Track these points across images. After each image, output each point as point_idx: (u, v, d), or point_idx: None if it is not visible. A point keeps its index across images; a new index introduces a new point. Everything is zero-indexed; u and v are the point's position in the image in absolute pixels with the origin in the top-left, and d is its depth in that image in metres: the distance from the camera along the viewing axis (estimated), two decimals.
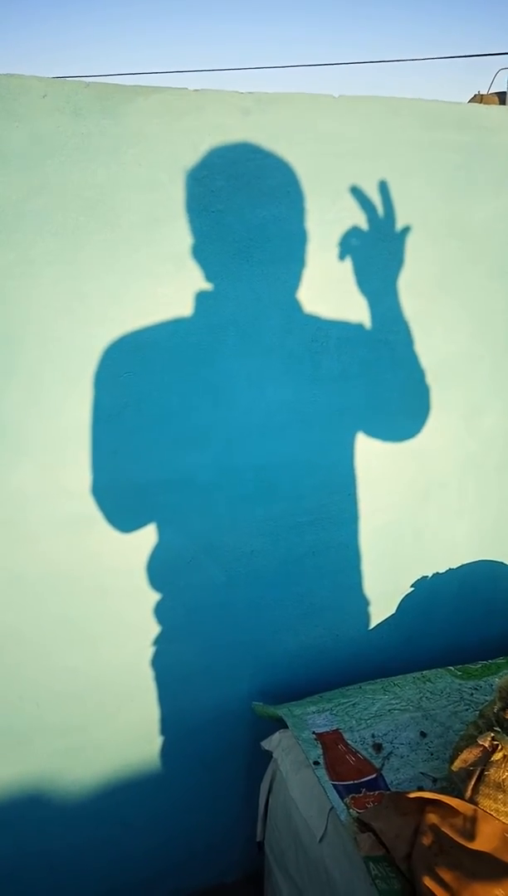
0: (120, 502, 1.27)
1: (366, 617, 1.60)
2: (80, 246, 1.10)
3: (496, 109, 1.38)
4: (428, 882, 0.97)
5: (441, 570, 1.66)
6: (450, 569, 1.66)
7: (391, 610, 1.63)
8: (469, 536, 1.67)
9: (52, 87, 1.02)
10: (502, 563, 1.72)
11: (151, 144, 1.10)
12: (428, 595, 1.65)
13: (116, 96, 1.06)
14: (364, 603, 1.59)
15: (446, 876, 0.97)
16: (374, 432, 1.47)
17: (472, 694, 1.40)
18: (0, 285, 1.08)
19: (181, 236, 1.17)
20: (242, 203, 1.20)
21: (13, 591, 1.25)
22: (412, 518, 1.58)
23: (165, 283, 1.19)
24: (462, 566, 1.67)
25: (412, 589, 1.63)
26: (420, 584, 1.64)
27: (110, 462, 1.24)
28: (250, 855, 1.63)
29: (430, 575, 1.65)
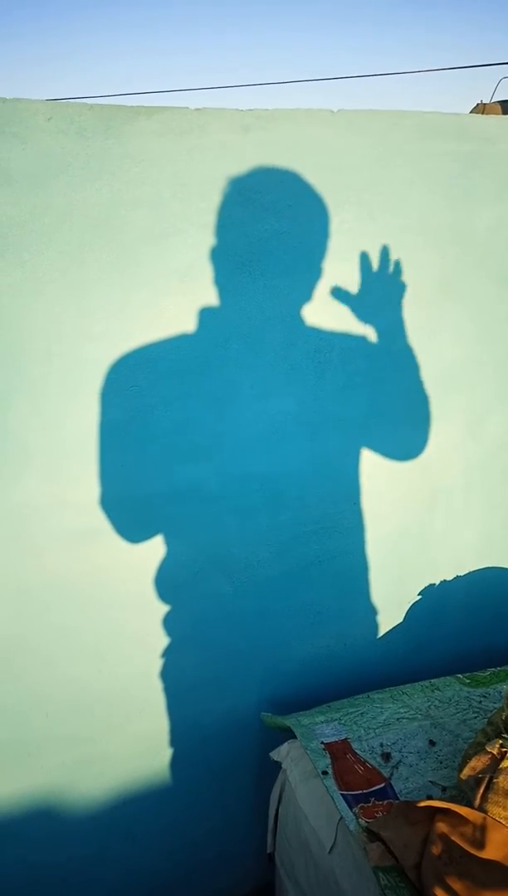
0: (127, 514, 1.28)
1: (373, 625, 1.61)
2: (85, 263, 1.12)
3: (494, 120, 1.39)
4: (439, 892, 0.97)
5: (449, 578, 1.66)
6: (457, 576, 1.66)
7: (399, 618, 1.63)
8: (476, 543, 1.67)
9: (56, 110, 1.04)
10: None
11: (154, 163, 1.12)
12: (436, 602, 1.65)
13: (118, 117, 1.08)
14: (372, 611, 1.59)
15: (456, 885, 0.97)
16: (379, 442, 1.48)
17: (481, 702, 1.40)
18: (7, 302, 1.10)
19: (185, 252, 1.19)
20: (244, 218, 1.22)
21: (21, 603, 1.26)
22: (418, 525, 1.58)
23: (169, 298, 1.21)
24: (470, 573, 1.68)
25: (420, 597, 1.63)
26: (428, 592, 1.64)
27: (117, 474, 1.26)
28: (260, 867, 1.62)
29: (437, 582, 1.65)
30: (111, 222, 1.12)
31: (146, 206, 1.14)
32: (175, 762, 1.50)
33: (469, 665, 1.64)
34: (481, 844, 1.02)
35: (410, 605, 1.64)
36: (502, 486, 1.65)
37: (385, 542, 1.56)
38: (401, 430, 1.50)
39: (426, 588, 1.64)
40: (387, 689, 1.48)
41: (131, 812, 1.49)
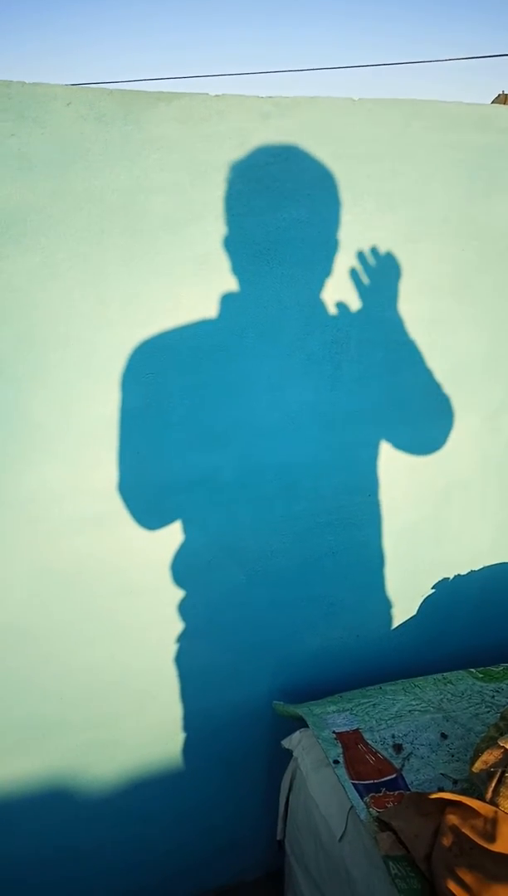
0: (144, 501, 1.29)
1: (387, 618, 1.60)
2: (103, 248, 1.13)
3: None
4: (450, 884, 0.97)
5: (463, 573, 1.65)
6: (472, 571, 1.65)
7: (412, 611, 1.62)
8: (492, 538, 1.66)
9: (76, 95, 1.04)
10: None
11: (173, 149, 1.12)
12: (450, 597, 1.65)
13: (138, 102, 1.08)
14: (385, 604, 1.59)
15: (466, 878, 0.97)
16: (395, 435, 1.47)
17: (493, 696, 1.40)
18: (26, 288, 1.10)
19: (203, 239, 1.19)
20: (262, 206, 1.21)
21: (39, 587, 1.28)
22: (433, 519, 1.57)
23: (187, 286, 1.20)
24: (484, 568, 1.66)
25: (434, 590, 1.63)
26: (442, 586, 1.63)
27: (134, 461, 1.26)
28: (270, 853, 1.63)
29: (451, 577, 1.64)
30: (130, 208, 1.12)
31: (165, 193, 1.13)
32: (187, 749, 1.51)
33: (483, 660, 1.63)
34: (492, 837, 1.01)
35: (423, 598, 1.63)
36: None
37: (400, 536, 1.55)
38: (418, 422, 1.49)
39: (440, 582, 1.64)
40: (399, 681, 1.48)
41: (144, 796, 1.50)
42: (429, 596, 1.62)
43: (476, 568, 1.66)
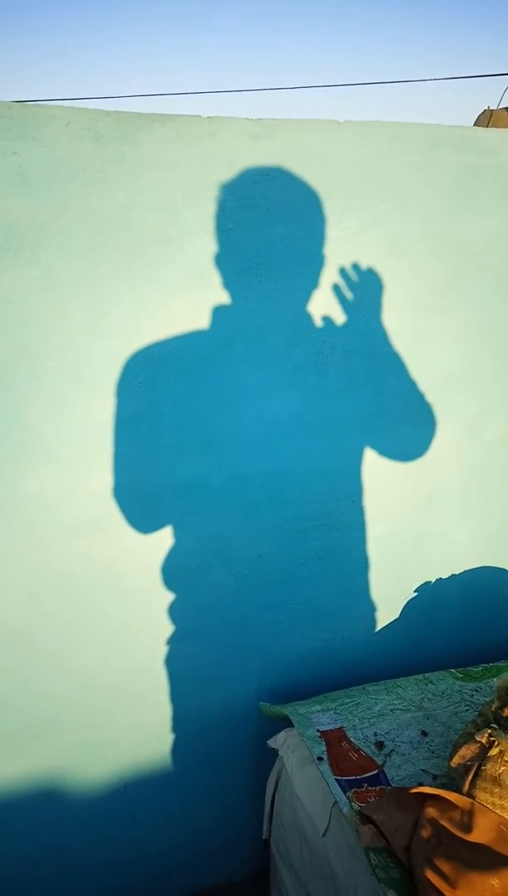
0: (137, 505, 1.33)
1: (371, 621, 1.65)
2: (99, 263, 1.17)
3: (495, 132, 1.44)
4: (427, 873, 1.01)
5: (444, 576, 1.70)
6: (453, 574, 1.71)
7: (395, 614, 1.67)
8: (472, 543, 1.71)
9: (75, 116, 1.09)
10: (504, 569, 1.76)
11: (167, 168, 1.17)
12: (432, 600, 1.70)
13: (134, 123, 1.13)
14: (369, 607, 1.63)
15: (444, 867, 1.01)
16: (379, 442, 1.52)
17: (473, 695, 1.44)
18: (25, 300, 1.14)
19: (195, 254, 1.23)
20: (251, 222, 1.26)
21: (33, 589, 1.31)
22: (415, 524, 1.62)
23: (179, 298, 1.25)
24: (465, 572, 1.72)
25: (416, 594, 1.68)
26: (424, 590, 1.68)
27: (125, 467, 1.30)
28: (257, 853, 1.67)
29: (433, 580, 1.69)
30: (125, 224, 1.17)
31: (159, 210, 1.18)
32: (175, 749, 1.54)
33: (463, 661, 1.68)
34: (468, 828, 1.06)
35: (406, 602, 1.68)
36: (498, 488, 1.69)
37: (384, 541, 1.60)
38: (401, 430, 1.54)
39: (422, 586, 1.69)
40: (382, 681, 1.52)
41: (133, 797, 1.53)
42: (412, 599, 1.67)
43: (457, 571, 1.71)
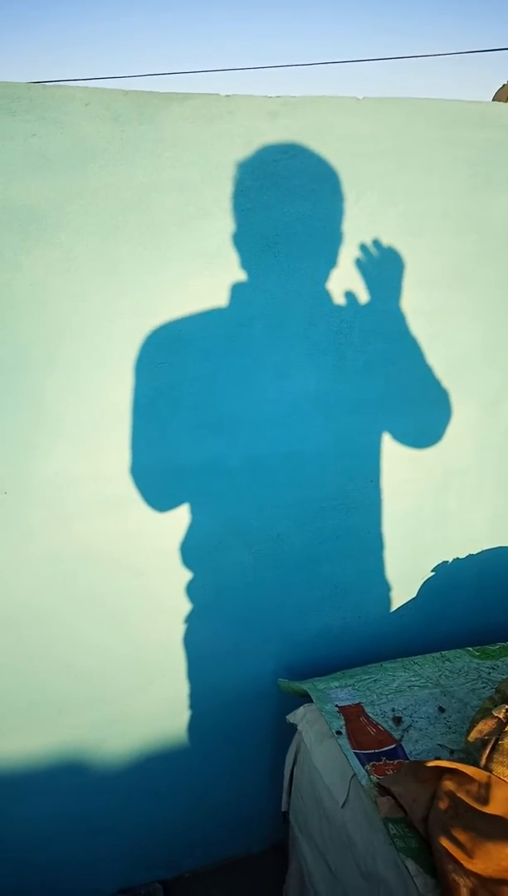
0: (154, 484, 1.34)
1: (388, 599, 1.66)
2: (118, 243, 1.18)
3: None
4: (444, 842, 1.03)
5: (461, 556, 1.71)
6: (470, 554, 1.71)
7: (412, 593, 1.68)
8: (489, 523, 1.71)
9: (94, 96, 1.09)
10: None
11: (186, 148, 1.17)
12: (448, 580, 1.70)
13: (152, 103, 1.13)
14: (386, 586, 1.65)
15: (461, 837, 1.03)
16: (397, 424, 1.52)
17: (490, 673, 1.46)
18: (44, 281, 1.15)
19: (213, 234, 1.24)
20: (270, 201, 1.26)
21: (52, 570, 1.33)
22: (432, 504, 1.63)
23: (197, 279, 1.26)
24: (482, 552, 1.72)
25: (433, 573, 1.68)
26: (441, 569, 1.69)
27: (144, 447, 1.32)
28: (276, 826, 1.70)
29: (450, 560, 1.70)
30: (144, 205, 1.17)
31: (177, 189, 1.18)
32: (195, 725, 1.58)
33: (480, 640, 1.69)
34: (485, 800, 1.08)
35: (423, 581, 1.69)
36: None
37: (400, 520, 1.61)
38: (418, 411, 1.54)
39: (439, 565, 1.69)
40: (399, 659, 1.54)
41: (154, 771, 1.56)
42: (429, 578, 1.68)
43: (474, 552, 1.71)
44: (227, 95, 1.18)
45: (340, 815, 1.22)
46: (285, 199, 1.27)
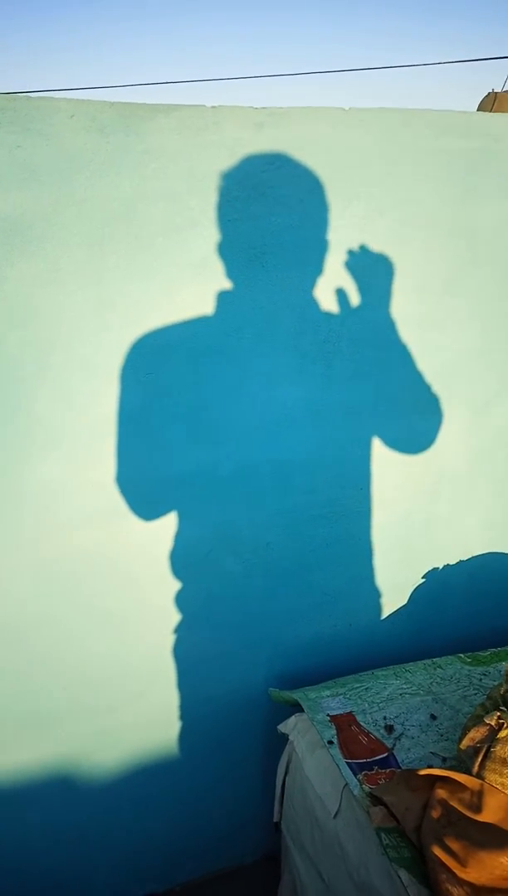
0: (142, 495, 1.34)
1: (379, 607, 1.66)
2: (105, 255, 1.18)
3: (501, 118, 1.43)
4: (437, 851, 1.03)
5: (452, 562, 1.71)
6: (461, 561, 1.72)
7: (404, 600, 1.68)
8: (480, 529, 1.72)
9: (79, 108, 1.09)
10: None
11: (172, 158, 1.17)
12: (440, 586, 1.71)
13: (138, 114, 1.13)
14: (377, 593, 1.65)
15: (454, 845, 1.03)
16: (386, 431, 1.53)
17: (481, 679, 1.46)
18: (31, 292, 1.15)
19: (200, 244, 1.24)
20: (257, 211, 1.26)
21: (43, 579, 1.33)
22: (423, 511, 1.63)
23: (185, 289, 1.26)
24: (473, 558, 1.73)
25: (424, 580, 1.69)
26: (432, 576, 1.69)
27: (133, 457, 1.31)
28: (268, 836, 1.69)
29: (441, 567, 1.70)
30: (130, 215, 1.17)
31: (164, 200, 1.18)
32: (186, 735, 1.57)
33: (472, 646, 1.70)
34: (478, 808, 1.08)
35: (414, 588, 1.69)
36: (505, 474, 1.69)
37: (391, 527, 1.61)
38: (408, 418, 1.54)
39: (430, 572, 1.70)
40: (391, 666, 1.54)
41: (145, 782, 1.55)
42: (420, 585, 1.68)
43: (465, 558, 1.72)
44: (213, 106, 1.18)
45: (332, 825, 1.22)
46: (273, 209, 1.27)
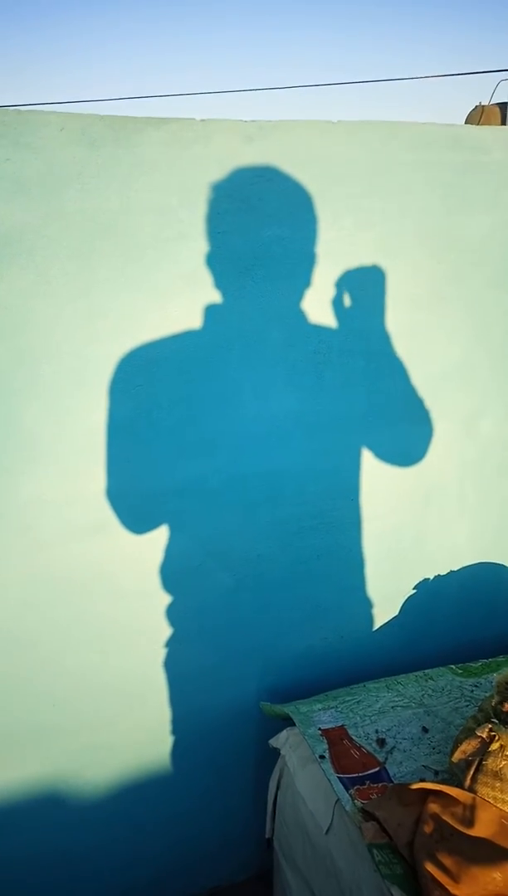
0: (132, 508, 1.33)
1: (370, 618, 1.66)
2: (94, 267, 1.17)
3: (487, 130, 1.45)
4: (430, 867, 1.02)
5: (443, 573, 1.71)
6: (451, 571, 1.71)
7: (395, 611, 1.68)
8: (470, 539, 1.72)
9: (69, 121, 1.09)
10: (502, 565, 1.77)
11: (162, 171, 1.17)
12: (430, 597, 1.70)
13: (128, 127, 1.13)
14: (368, 605, 1.64)
15: (446, 861, 1.02)
16: (377, 441, 1.53)
17: (472, 691, 1.45)
18: (21, 304, 1.15)
19: (190, 256, 1.24)
20: (247, 224, 1.27)
21: (32, 593, 1.31)
22: (413, 522, 1.63)
23: (175, 301, 1.25)
24: (463, 568, 1.73)
25: (415, 591, 1.68)
26: (422, 586, 1.69)
27: (123, 469, 1.31)
28: (260, 854, 1.67)
29: (432, 577, 1.70)
30: (120, 228, 1.17)
31: (153, 213, 1.19)
32: (177, 751, 1.55)
33: (463, 657, 1.69)
34: (470, 823, 1.07)
35: (405, 598, 1.68)
36: (495, 484, 1.70)
37: (382, 538, 1.61)
38: (398, 428, 1.55)
39: (420, 582, 1.69)
40: (382, 678, 1.53)
41: (135, 799, 1.53)
42: (410, 596, 1.68)
43: (456, 568, 1.72)
44: (202, 120, 1.19)
45: (324, 841, 1.21)
46: (262, 221, 1.28)
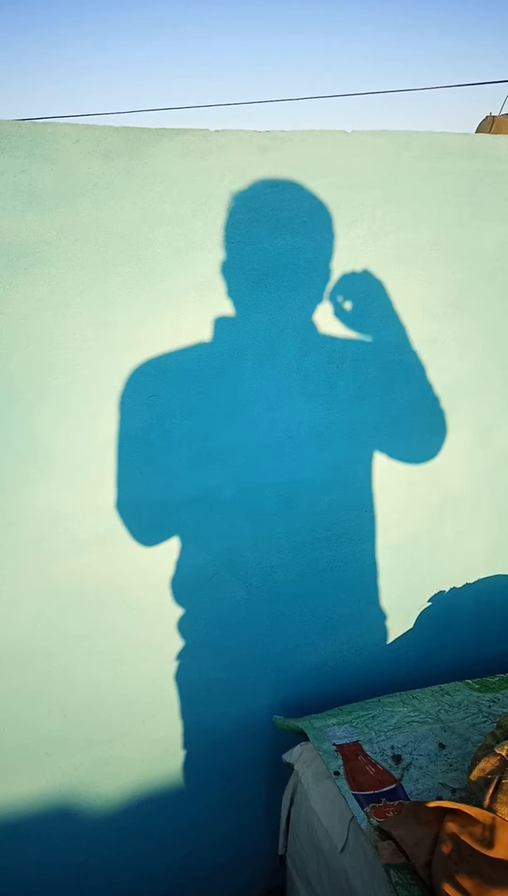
0: (144, 519, 1.32)
1: (384, 631, 1.63)
2: (108, 277, 1.17)
3: (502, 139, 1.44)
4: (448, 889, 0.99)
5: (458, 585, 1.68)
6: (467, 583, 1.69)
7: (409, 624, 1.65)
8: (485, 551, 1.70)
9: (84, 133, 1.09)
10: None
11: (176, 182, 1.17)
12: (445, 609, 1.68)
13: (142, 139, 1.13)
14: (382, 617, 1.62)
15: (465, 883, 0.99)
16: (390, 450, 1.52)
17: (490, 706, 1.43)
18: (34, 315, 1.15)
19: (203, 267, 1.24)
20: (260, 234, 1.26)
21: (44, 605, 1.30)
22: (428, 533, 1.61)
23: (188, 311, 1.25)
24: (479, 581, 1.70)
25: (430, 603, 1.66)
26: (437, 599, 1.67)
27: (136, 480, 1.30)
28: (272, 869, 1.65)
29: (447, 590, 1.68)
30: (134, 239, 1.17)
31: (167, 224, 1.19)
32: (189, 765, 1.53)
33: (479, 671, 1.66)
34: (490, 843, 1.04)
35: (420, 611, 1.66)
36: None
37: (396, 550, 1.59)
38: (412, 439, 1.53)
39: (435, 595, 1.67)
40: (398, 693, 1.51)
41: (146, 813, 1.51)
42: (425, 609, 1.66)
43: (471, 580, 1.69)
44: (217, 131, 1.19)
45: (339, 860, 1.18)
46: (276, 231, 1.27)
